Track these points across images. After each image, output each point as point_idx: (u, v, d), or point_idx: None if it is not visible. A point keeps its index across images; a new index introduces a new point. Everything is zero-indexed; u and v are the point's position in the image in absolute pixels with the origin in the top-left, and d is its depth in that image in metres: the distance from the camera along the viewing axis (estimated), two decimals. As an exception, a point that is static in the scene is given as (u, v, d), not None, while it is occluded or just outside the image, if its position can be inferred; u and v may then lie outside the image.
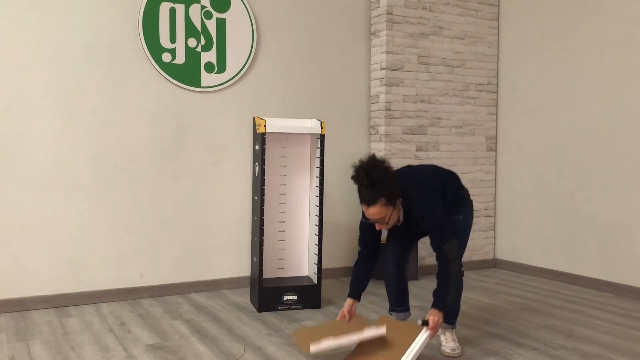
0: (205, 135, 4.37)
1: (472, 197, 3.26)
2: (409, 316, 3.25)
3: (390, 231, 3.11)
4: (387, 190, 2.71)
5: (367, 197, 2.73)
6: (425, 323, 2.77)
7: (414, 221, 2.89)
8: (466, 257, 3.90)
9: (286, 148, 4.08)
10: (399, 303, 3.21)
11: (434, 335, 2.78)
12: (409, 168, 3.08)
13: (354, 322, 2.99)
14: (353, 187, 4.91)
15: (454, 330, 3.12)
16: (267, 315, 3.72)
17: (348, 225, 4.95)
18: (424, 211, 2.82)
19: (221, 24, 4.36)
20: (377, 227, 2.89)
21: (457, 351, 3.02)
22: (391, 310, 3.23)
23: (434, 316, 2.75)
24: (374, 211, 2.73)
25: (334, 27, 4.85)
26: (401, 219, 2.92)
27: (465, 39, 5.18)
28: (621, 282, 4.35)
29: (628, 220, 4.30)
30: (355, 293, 3.08)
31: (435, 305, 2.80)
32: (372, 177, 2.70)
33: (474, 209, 3.50)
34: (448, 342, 3.07)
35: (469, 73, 5.23)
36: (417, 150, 5.00)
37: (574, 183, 4.69)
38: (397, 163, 4.88)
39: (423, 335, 2.74)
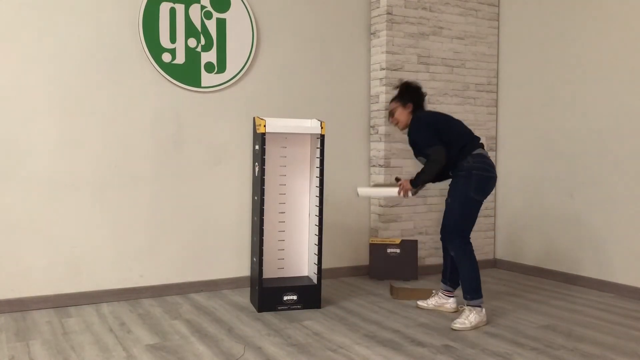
0: (205, 135, 4.37)
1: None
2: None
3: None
4: (404, 96, 3.76)
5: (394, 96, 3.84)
6: (397, 179, 3.79)
7: (409, 141, 3.73)
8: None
9: (286, 148, 4.08)
10: (442, 275, 3.88)
11: (399, 192, 3.70)
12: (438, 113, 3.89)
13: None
14: (352, 187, 4.93)
15: (472, 307, 3.49)
16: (267, 315, 3.72)
17: (348, 225, 4.96)
18: (414, 135, 3.66)
19: (221, 24, 4.36)
20: (390, 120, 3.85)
21: (460, 326, 3.42)
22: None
23: (404, 183, 3.68)
24: (389, 105, 3.84)
25: (334, 27, 4.85)
26: (406, 126, 3.75)
27: (465, 39, 5.18)
28: (621, 282, 4.35)
29: (628, 220, 4.30)
30: None
31: (411, 179, 3.67)
32: (399, 86, 3.82)
33: None
34: (459, 317, 3.49)
35: (469, 73, 5.23)
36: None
37: (573, 183, 4.69)
38: (397, 163, 4.89)
39: (393, 188, 3.73)
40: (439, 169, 3.57)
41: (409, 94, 3.76)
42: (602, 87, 4.48)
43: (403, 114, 3.75)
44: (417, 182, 3.65)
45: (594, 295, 4.34)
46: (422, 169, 3.62)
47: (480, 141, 3.66)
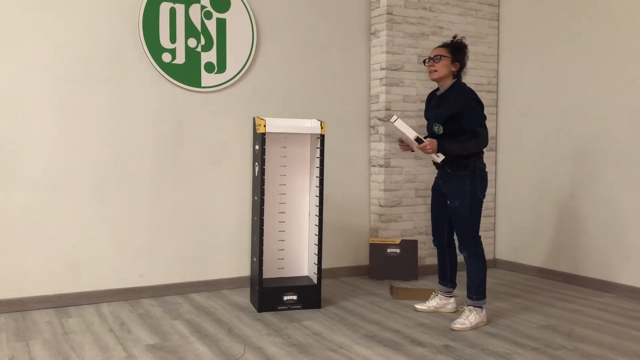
0: (205, 135, 4.37)
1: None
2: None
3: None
4: (458, 54, 3.53)
5: (446, 42, 3.62)
6: (418, 140, 3.37)
7: (444, 106, 3.48)
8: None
9: (286, 148, 4.08)
10: (440, 277, 3.84)
11: (421, 148, 3.37)
12: None
13: None
14: (353, 187, 4.93)
15: (473, 307, 3.47)
16: (267, 315, 3.72)
17: (348, 225, 4.96)
18: (459, 106, 3.42)
19: (221, 24, 4.36)
20: (428, 67, 3.57)
21: (460, 326, 3.41)
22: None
23: (429, 142, 3.36)
24: (438, 50, 3.56)
25: (334, 27, 4.85)
26: (446, 86, 3.53)
27: (465, 39, 5.17)
28: (621, 282, 4.35)
29: (628, 220, 4.30)
30: None
31: (440, 142, 3.38)
32: (458, 41, 3.57)
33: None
34: (459, 317, 3.48)
35: (469, 73, 5.22)
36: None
37: (574, 183, 4.69)
38: (397, 163, 4.89)
39: (412, 138, 3.37)
40: (474, 152, 3.40)
41: (463, 54, 3.54)
42: (602, 87, 4.47)
43: (447, 67, 3.49)
44: (446, 148, 3.37)
45: (594, 295, 4.34)
46: (462, 142, 3.36)
47: None
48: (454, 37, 3.63)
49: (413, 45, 4.94)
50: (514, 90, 5.22)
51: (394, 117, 3.43)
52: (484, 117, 3.45)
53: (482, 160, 3.54)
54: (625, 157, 4.31)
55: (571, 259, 4.72)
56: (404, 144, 3.63)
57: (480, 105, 3.48)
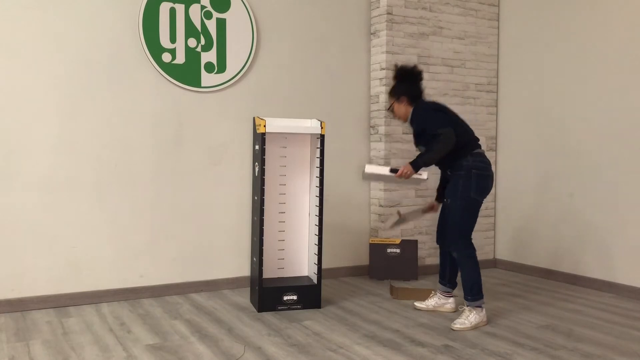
0: (205, 135, 4.37)
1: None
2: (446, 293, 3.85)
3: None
4: (397, 91, 3.65)
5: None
6: (393, 171, 3.49)
7: (413, 129, 3.63)
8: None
9: (286, 148, 4.08)
10: (440, 276, 3.85)
11: (398, 176, 3.46)
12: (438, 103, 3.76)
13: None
14: (352, 187, 4.93)
15: (472, 308, 3.48)
16: (267, 315, 3.72)
17: (348, 225, 4.96)
18: (421, 122, 3.55)
19: (221, 24, 4.36)
20: (392, 116, 3.80)
21: (460, 326, 3.42)
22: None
23: (404, 167, 3.46)
24: (389, 101, 3.73)
25: (334, 27, 4.85)
26: (408, 119, 3.66)
27: (465, 39, 5.18)
28: (621, 282, 4.35)
29: (628, 220, 4.30)
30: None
31: (412, 161, 3.46)
32: (395, 74, 3.67)
33: None
34: (459, 317, 3.48)
35: (469, 73, 5.23)
36: (417, 150, 4.99)
37: (574, 183, 4.69)
38: (397, 163, 4.89)
39: (388, 172, 3.51)
40: (447, 151, 3.41)
41: (402, 85, 3.63)
42: (602, 87, 4.47)
43: (401, 108, 3.66)
44: (420, 163, 3.44)
45: (594, 295, 4.34)
46: (429, 149, 3.44)
47: (479, 142, 3.66)
48: (395, 70, 3.72)
49: (413, 45, 4.94)
50: (514, 90, 5.22)
51: (365, 168, 3.59)
52: (443, 119, 3.48)
53: (481, 161, 3.54)
54: (625, 157, 4.31)
55: (571, 259, 4.72)
56: (426, 210, 3.84)
57: (438, 111, 3.56)
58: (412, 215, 4.03)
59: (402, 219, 4.01)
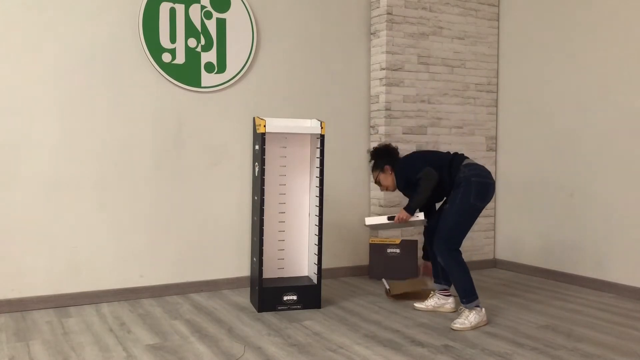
0: (205, 135, 4.37)
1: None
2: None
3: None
4: (380, 164, 3.81)
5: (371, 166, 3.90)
6: (391, 218, 3.74)
7: (400, 185, 3.77)
8: (466, 257, 3.91)
9: (286, 148, 4.08)
10: (434, 276, 3.90)
11: (397, 221, 3.68)
12: (411, 153, 3.90)
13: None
14: (352, 187, 4.93)
15: (470, 309, 3.50)
16: (267, 315, 3.72)
17: (348, 225, 4.96)
18: (403, 176, 3.72)
19: (221, 24, 4.36)
20: (381, 189, 3.90)
21: (460, 326, 3.43)
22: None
23: (400, 213, 3.65)
24: (372, 175, 3.89)
25: (334, 27, 4.85)
26: (394, 183, 3.79)
27: (465, 39, 5.18)
28: (621, 282, 4.35)
29: (628, 220, 4.30)
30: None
31: (405, 206, 3.65)
32: (373, 155, 3.86)
33: None
34: (459, 318, 3.49)
35: (469, 73, 5.23)
36: (417, 150, 5.00)
37: (574, 183, 4.69)
38: (397, 163, 4.89)
39: (387, 220, 3.75)
40: (433, 186, 3.56)
41: (382, 159, 3.80)
42: (602, 87, 4.47)
43: (387, 178, 3.79)
44: (413, 205, 3.62)
45: (594, 295, 4.34)
46: (417, 192, 3.60)
47: (464, 155, 3.74)
48: (368, 150, 4.05)
49: (413, 45, 4.94)
50: (514, 90, 5.22)
51: (365, 221, 3.88)
52: (419, 164, 3.64)
53: (477, 168, 3.59)
54: (625, 157, 4.31)
55: (571, 259, 4.72)
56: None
57: (413, 160, 3.72)
58: (400, 286, 4.18)
59: (389, 290, 4.15)
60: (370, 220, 3.85)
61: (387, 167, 3.77)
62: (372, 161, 3.86)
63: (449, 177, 3.60)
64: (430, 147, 5.03)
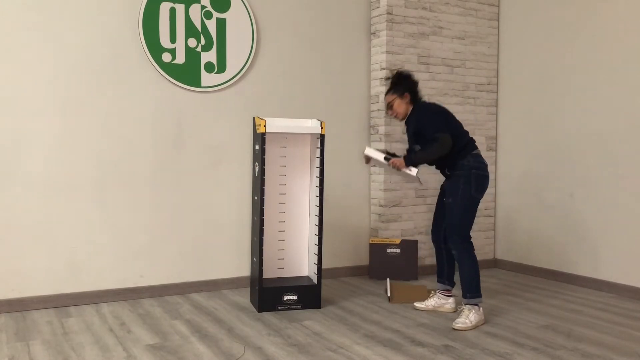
0: (205, 135, 4.37)
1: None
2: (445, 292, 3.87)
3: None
4: (400, 88, 3.69)
5: (388, 88, 3.79)
6: (387, 159, 3.67)
7: (409, 128, 3.70)
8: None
9: (286, 148, 4.08)
10: (438, 275, 3.88)
11: (390, 164, 3.62)
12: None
13: None
14: (352, 187, 4.93)
15: (471, 306, 3.50)
16: (267, 315, 3.72)
17: (348, 225, 4.96)
18: (419, 123, 3.61)
19: (221, 24, 4.36)
20: (389, 113, 3.79)
21: (462, 325, 3.42)
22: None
23: (398, 159, 3.61)
24: (386, 98, 3.76)
25: (334, 27, 4.85)
26: (406, 116, 3.72)
27: (465, 39, 5.19)
28: (621, 282, 4.35)
29: (628, 220, 4.30)
30: None
31: (405, 155, 3.63)
32: (394, 76, 3.76)
33: None
34: (460, 317, 3.49)
35: (469, 73, 5.23)
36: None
37: (573, 183, 4.69)
38: (397, 163, 4.89)
39: (383, 159, 3.70)
40: (440, 155, 3.54)
41: (404, 84, 3.71)
42: (602, 87, 4.47)
43: (402, 105, 3.70)
44: (414, 160, 3.58)
45: (594, 295, 4.34)
46: (424, 148, 3.56)
47: (475, 143, 3.72)
48: (387, 77, 3.89)
49: (413, 45, 4.94)
50: (514, 90, 5.22)
51: (365, 150, 3.81)
52: (442, 124, 3.57)
53: (480, 162, 3.60)
54: (625, 157, 4.31)
55: (571, 259, 4.72)
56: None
57: (438, 115, 3.62)
58: (402, 295, 4.19)
59: (389, 298, 4.12)
60: (370, 151, 3.79)
61: (408, 94, 3.68)
62: (392, 83, 3.74)
63: (456, 156, 3.57)
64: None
